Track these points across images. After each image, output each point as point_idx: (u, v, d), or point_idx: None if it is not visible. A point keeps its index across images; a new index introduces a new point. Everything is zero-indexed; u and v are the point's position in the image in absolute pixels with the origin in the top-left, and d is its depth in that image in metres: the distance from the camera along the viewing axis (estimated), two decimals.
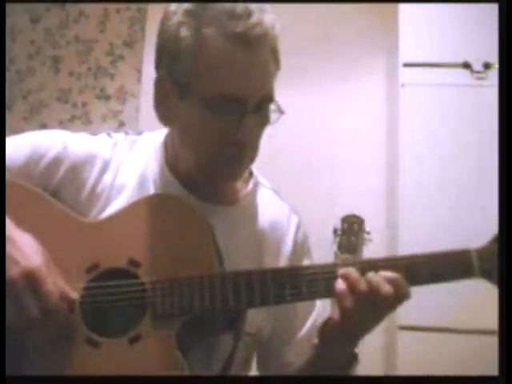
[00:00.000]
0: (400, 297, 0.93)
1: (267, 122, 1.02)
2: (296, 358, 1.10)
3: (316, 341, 1.03)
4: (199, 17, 0.95)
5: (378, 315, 0.95)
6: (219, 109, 0.96)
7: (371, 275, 0.93)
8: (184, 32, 0.96)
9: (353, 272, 0.94)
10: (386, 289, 0.92)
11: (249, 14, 0.94)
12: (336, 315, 0.95)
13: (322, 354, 1.03)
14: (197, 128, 1.00)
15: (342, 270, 0.95)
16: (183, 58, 0.96)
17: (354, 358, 1.04)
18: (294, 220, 1.16)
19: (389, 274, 0.94)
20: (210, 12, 0.95)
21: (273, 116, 1.02)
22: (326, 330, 0.99)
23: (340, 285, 0.93)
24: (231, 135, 0.98)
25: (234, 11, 0.94)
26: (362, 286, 0.92)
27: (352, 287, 0.93)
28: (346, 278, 0.94)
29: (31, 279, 0.91)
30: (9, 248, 0.92)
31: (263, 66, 0.98)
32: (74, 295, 0.97)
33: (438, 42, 2.59)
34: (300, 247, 1.15)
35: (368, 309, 0.93)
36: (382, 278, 0.93)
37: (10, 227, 0.96)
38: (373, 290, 0.92)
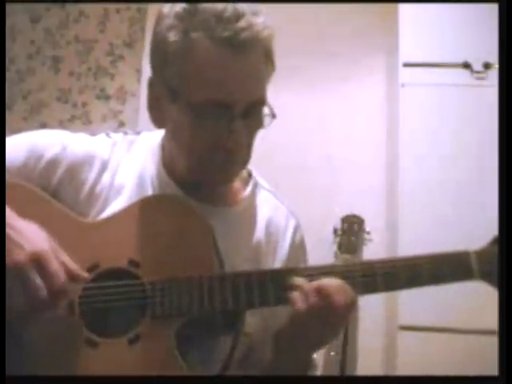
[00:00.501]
0: (349, 305, 0.95)
1: (259, 126, 1.02)
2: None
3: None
4: (188, 21, 0.94)
5: (331, 327, 0.97)
6: (208, 114, 0.96)
7: (325, 283, 0.94)
8: (173, 36, 0.95)
9: (305, 282, 0.95)
10: (338, 298, 0.93)
11: (238, 18, 0.93)
12: (293, 324, 0.97)
13: (278, 358, 1.05)
14: (186, 133, 0.99)
15: (293, 280, 0.96)
16: (172, 61, 0.96)
17: (310, 365, 1.06)
18: (292, 223, 1.15)
19: (336, 281, 0.95)
20: (199, 16, 0.94)
21: (265, 120, 1.01)
22: (281, 337, 1.01)
23: (294, 295, 0.95)
24: (221, 141, 0.98)
25: (223, 15, 0.92)
26: (315, 295, 0.93)
27: (305, 297, 0.94)
28: (298, 287, 0.95)
29: (37, 261, 0.90)
30: (12, 234, 0.91)
31: (252, 70, 0.96)
32: (84, 274, 0.97)
33: (438, 42, 2.59)
34: (296, 251, 1.14)
35: (321, 318, 0.94)
36: (335, 288, 0.94)
37: (13, 217, 0.95)
38: (325, 300, 0.93)
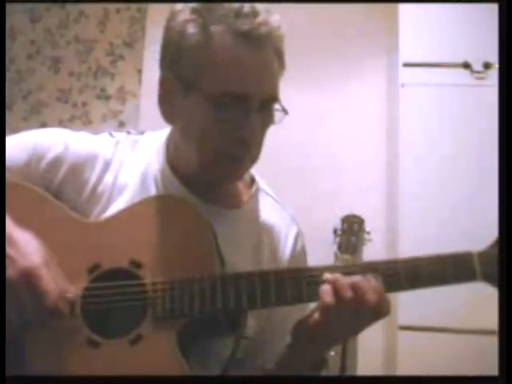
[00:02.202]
0: (383, 308, 0.94)
1: (271, 122, 1.03)
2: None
3: (289, 340, 1.04)
4: (207, 14, 0.96)
5: (359, 324, 0.95)
6: (224, 106, 0.97)
7: (358, 281, 0.93)
8: (191, 29, 0.97)
9: (339, 277, 0.94)
10: (372, 297, 0.92)
11: (255, 14, 0.95)
12: (317, 318, 0.96)
13: (293, 354, 1.04)
14: (201, 125, 1.00)
15: (327, 275, 0.95)
16: (189, 54, 0.97)
17: (323, 363, 1.05)
18: (294, 230, 1.15)
19: (374, 282, 0.94)
20: (218, 10, 0.96)
21: (277, 116, 1.02)
22: (302, 330, 1.00)
23: (326, 288, 0.94)
24: (235, 133, 0.98)
25: (241, 10, 0.95)
26: (348, 292, 0.92)
27: (338, 292, 0.93)
28: (332, 282, 0.94)
29: (28, 278, 0.90)
30: (7, 248, 0.91)
31: (268, 65, 0.98)
32: (73, 295, 0.97)
33: (438, 42, 2.59)
34: (297, 258, 1.14)
35: (350, 316, 0.93)
36: (368, 286, 0.93)
37: (9, 226, 0.95)
38: (358, 297, 0.92)
